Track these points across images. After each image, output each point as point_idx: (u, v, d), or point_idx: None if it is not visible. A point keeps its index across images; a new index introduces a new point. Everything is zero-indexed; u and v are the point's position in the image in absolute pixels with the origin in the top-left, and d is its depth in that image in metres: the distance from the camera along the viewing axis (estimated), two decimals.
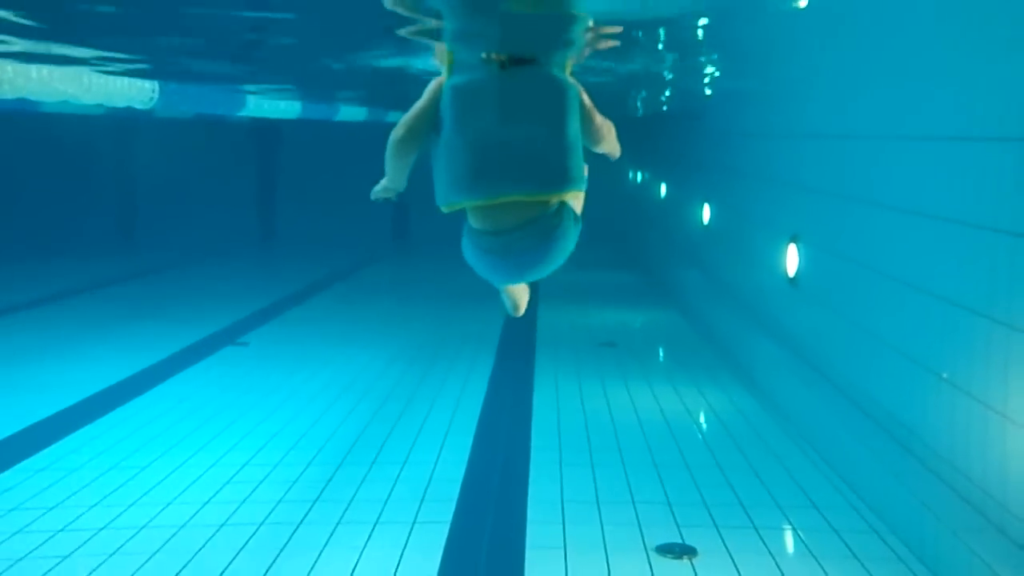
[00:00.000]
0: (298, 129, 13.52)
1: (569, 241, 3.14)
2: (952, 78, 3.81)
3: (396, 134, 3.18)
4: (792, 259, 5.92)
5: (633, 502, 4.30)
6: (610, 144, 3.44)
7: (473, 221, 3.12)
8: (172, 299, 10.24)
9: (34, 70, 2.98)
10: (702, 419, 5.81)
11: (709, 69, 6.18)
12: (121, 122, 13.45)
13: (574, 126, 3.06)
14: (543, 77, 3.08)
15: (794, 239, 5.92)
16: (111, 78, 3.60)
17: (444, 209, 3.15)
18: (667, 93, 8.60)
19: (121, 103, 3.84)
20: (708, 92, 7.90)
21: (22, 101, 4.41)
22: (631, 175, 15.09)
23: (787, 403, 5.69)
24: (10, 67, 2.89)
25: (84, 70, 3.63)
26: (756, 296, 6.95)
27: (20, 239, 13.08)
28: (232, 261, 13.57)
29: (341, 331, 8.46)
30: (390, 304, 10.43)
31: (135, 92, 3.71)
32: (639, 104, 11.23)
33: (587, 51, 4.46)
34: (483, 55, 3.18)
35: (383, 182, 3.40)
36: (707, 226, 9.17)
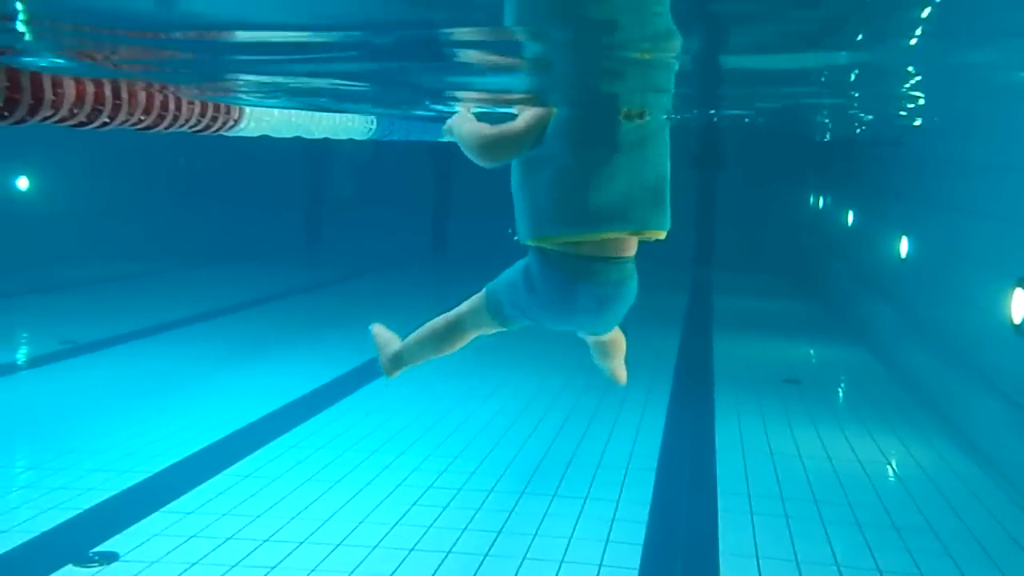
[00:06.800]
0: None
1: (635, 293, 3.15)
2: None
3: (488, 144, 3.13)
4: (1019, 305, 5.35)
5: (837, 565, 3.99)
6: None
7: (565, 249, 3.02)
8: (353, 309, 10.68)
9: (276, 110, 3.16)
10: (907, 474, 5.34)
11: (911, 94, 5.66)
12: (311, 141, 14.27)
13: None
14: (657, 123, 3.14)
15: (1022, 283, 5.35)
16: (338, 115, 3.75)
17: (533, 241, 3.06)
18: (859, 116, 8.04)
19: (344, 136, 3.99)
20: (913, 119, 7.29)
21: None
22: (812, 200, 14.35)
23: (1011, 465, 5.13)
24: (258, 107, 3.08)
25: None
26: (969, 341, 6.34)
27: (223, 247, 14.14)
28: (407, 272, 14.05)
29: (514, 349, 8.48)
30: None
31: (357, 126, 3.84)
32: (827, 125, 10.63)
33: None
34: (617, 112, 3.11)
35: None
36: (904, 259, 8.52)
